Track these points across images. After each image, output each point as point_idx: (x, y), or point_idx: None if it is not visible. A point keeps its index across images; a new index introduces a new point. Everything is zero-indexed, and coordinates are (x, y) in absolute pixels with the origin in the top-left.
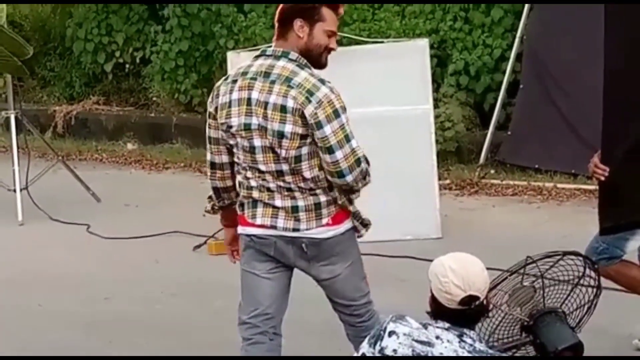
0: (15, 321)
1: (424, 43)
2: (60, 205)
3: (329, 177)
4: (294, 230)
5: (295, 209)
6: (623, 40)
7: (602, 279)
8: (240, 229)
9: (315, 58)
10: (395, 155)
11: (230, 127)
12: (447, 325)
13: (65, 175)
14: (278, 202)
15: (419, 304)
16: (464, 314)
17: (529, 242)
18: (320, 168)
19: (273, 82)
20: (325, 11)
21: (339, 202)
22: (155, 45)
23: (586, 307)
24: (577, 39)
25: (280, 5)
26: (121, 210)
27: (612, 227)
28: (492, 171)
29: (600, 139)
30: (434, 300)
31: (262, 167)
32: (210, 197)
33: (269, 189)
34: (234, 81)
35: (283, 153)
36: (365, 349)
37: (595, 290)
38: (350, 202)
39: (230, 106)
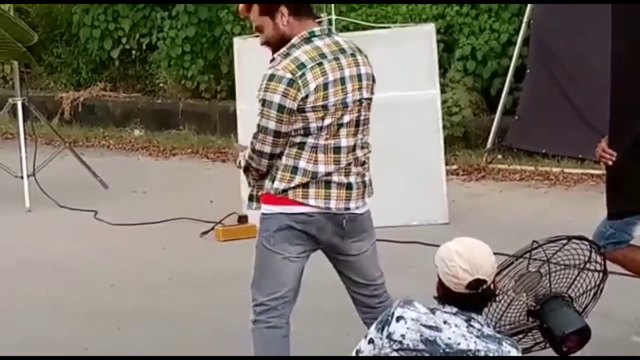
0: (22, 308)
1: (430, 28)
2: (68, 192)
3: None
4: (345, 209)
5: (363, 184)
6: (630, 24)
7: (608, 263)
8: (279, 209)
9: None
10: (402, 141)
11: (327, 107)
12: (454, 310)
13: (73, 161)
14: (352, 178)
15: (426, 289)
16: (471, 299)
17: (536, 227)
18: None
19: (353, 55)
20: None
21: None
22: (161, 31)
23: (592, 291)
24: (584, 23)
25: None
26: (128, 196)
27: (620, 212)
28: (499, 156)
29: (608, 123)
30: (441, 285)
31: (344, 142)
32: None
33: (346, 169)
34: (320, 64)
35: (370, 115)
36: (373, 334)
37: (601, 274)
38: None
39: (327, 88)
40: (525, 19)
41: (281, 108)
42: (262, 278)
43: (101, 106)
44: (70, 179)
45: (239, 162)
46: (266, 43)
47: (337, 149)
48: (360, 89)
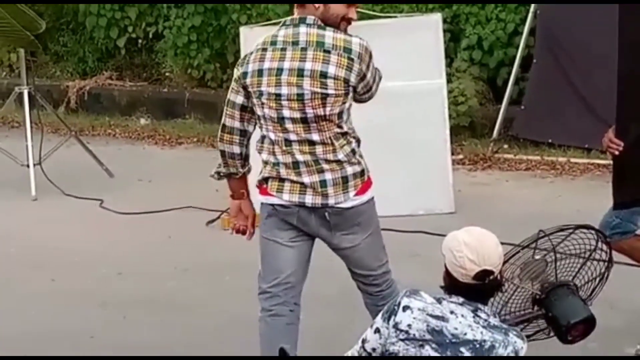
0: (28, 296)
1: (437, 17)
2: (74, 181)
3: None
4: (322, 205)
5: (323, 184)
6: (638, 12)
7: (615, 253)
8: (263, 199)
9: (330, 27)
10: (408, 130)
11: (261, 94)
12: (461, 300)
13: (79, 150)
14: (306, 179)
15: (432, 279)
16: (478, 289)
17: (542, 217)
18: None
19: (304, 49)
20: None
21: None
22: (168, 20)
23: (598, 279)
24: (590, 13)
25: None
26: (134, 185)
27: (626, 202)
28: (506, 146)
29: (615, 113)
30: (448, 275)
31: (293, 137)
32: (218, 164)
33: (295, 164)
34: (264, 49)
35: (327, 111)
36: (379, 323)
37: (606, 263)
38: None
39: (261, 75)
40: (531, 9)
41: (234, 78)
42: (263, 266)
43: (107, 95)
44: (76, 168)
45: None
46: None
47: (287, 143)
48: (299, 83)
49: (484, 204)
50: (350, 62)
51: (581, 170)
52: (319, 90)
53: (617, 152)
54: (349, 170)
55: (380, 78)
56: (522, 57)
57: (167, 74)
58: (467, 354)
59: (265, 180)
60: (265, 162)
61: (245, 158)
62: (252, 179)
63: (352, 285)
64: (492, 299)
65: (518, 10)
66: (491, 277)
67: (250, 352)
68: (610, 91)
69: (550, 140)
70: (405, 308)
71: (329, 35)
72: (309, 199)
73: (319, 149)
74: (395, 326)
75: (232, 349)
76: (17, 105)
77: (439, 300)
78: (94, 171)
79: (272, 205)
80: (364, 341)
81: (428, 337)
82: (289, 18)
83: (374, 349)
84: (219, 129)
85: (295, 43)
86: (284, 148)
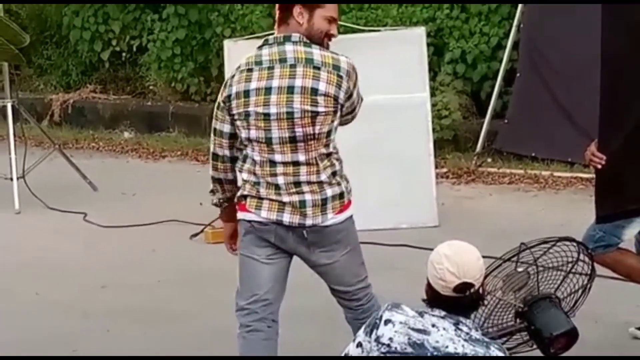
0: (12, 309)
1: (420, 31)
2: (57, 194)
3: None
4: (300, 225)
5: (302, 204)
6: (620, 25)
7: (598, 267)
8: (241, 215)
9: (315, 44)
10: (392, 144)
11: (248, 115)
12: (443, 313)
13: (62, 163)
14: (285, 198)
15: (414, 292)
16: (459, 302)
17: (525, 231)
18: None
19: (293, 66)
20: None
21: (349, 193)
22: (152, 33)
23: (580, 292)
24: (574, 27)
25: None
26: (118, 198)
27: (609, 216)
28: (489, 159)
29: (597, 127)
30: (430, 288)
31: (278, 158)
32: (212, 191)
33: (277, 186)
34: (249, 70)
35: (317, 129)
36: (361, 337)
37: (589, 275)
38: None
39: (248, 96)
40: (515, 23)
41: (218, 105)
42: (241, 283)
43: (91, 108)
44: (59, 181)
45: None
46: None
47: (272, 164)
48: (290, 101)
49: (468, 217)
50: (340, 80)
51: (564, 184)
52: (309, 108)
53: (599, 166)
54: (329, 192)
55: (362, 100)
56: (506, 71)
57: (151, 87)
58: None
59: (244, 197)
60: (246, 181)
61: (237, 181)
62: None
63: (332, 299)
64: (474, 312)
65: (502, 24)
66: (472, 290)
67: None
68: (593, 105)
69: (533, 154)
70: (387, 322)
71: (317, 53)
72: (287, 217)
73: (303, 170)
74: (377, 340)
75: None
76: (0, 119)
77: (420, 314)
78: (78, 184)
79: (250, 222)
80: (346, 355)
81: (409, 350)
82: (272, 37)
83: None
84: (209, 158)
85: (283, 60)
86: (268, 169)
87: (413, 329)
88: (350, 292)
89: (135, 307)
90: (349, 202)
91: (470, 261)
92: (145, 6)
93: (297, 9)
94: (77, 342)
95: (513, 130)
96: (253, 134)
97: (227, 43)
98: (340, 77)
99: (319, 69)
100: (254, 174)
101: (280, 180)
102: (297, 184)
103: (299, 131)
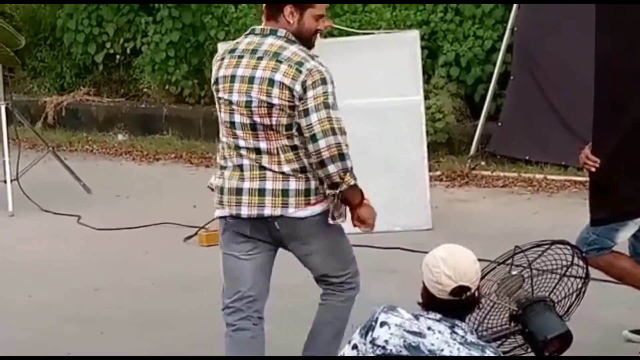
0: (5, 312)
1: (414, 34)
2: (51, 196)
3: (309, 159)
4: (258, 215)
5: (262, 192)
6: (614, 25)
7: (591, 269)
8: (217, 212)
9: (304, 42)
10: (385, 147)
11: (220, 100)
12: (438, 316)
13: (56, 166)
14: (247, 184)
15: (409, 295)
16: (455, 305)
17: (519, 234)
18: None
19: (260, 59)
20: None
21: (321, 191)
22: (145, 36)
23: (574, 295)
24: (567, 30)
25: None
26: (112, 201)
27: (603, 219)
28: (483, 163)
29: (591, 130)
30: (425, 291)
31: (242, 143)
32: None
33: (240, 167)
34: (222, 58)
35: (274, 121)
36: (356, 339)
37: (583, 279)
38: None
39: (217, 82)
40: (509, 26)
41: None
42: (225, 281)
43: (85, 111)
44: (53, 184)
45: None
46: None
47: (237, 148)
48: (249, 91)
49: (461, 220)
50: (298, 74)
51: (558, 187)
52: (264, 98)
53: (593, 169)
54: (292, 184)
55: (340, 130)
56: (500, 74)
57: (144, 89)
58: None
59: (212, 189)
60: (218, 167)
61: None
62: None
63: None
64: (469, 315)
65: (495, 28)
66: (468, 294)
67: None
68: (587, 108)
69: (527, 157)
70: (383, 324)
71: (291, 50)
72: (245, 210)
73: (265, 158)
74: (372, 342)
75: None
76: None
77: (416, 317)
78: (72, 187)
79: (224, 217)
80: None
81: (405, 352)
82: (260, 27)
83: None
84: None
85: (253, 51)
86: (234, 152)
87: (408, 332)
88: (327, 282)
89: (129, 310)
90: (318, 201)
91: (466, 264)
92: (139, 9)
93: (288, 9)
94: (71, 345)
95: (507, 133)
96: (222, 116)
97: (221, 46)
98: (300, 71)
99: (281, 62)
100: (224, 158)
101: (245, 161)
102: (262, 167)
103: (257, 120)
